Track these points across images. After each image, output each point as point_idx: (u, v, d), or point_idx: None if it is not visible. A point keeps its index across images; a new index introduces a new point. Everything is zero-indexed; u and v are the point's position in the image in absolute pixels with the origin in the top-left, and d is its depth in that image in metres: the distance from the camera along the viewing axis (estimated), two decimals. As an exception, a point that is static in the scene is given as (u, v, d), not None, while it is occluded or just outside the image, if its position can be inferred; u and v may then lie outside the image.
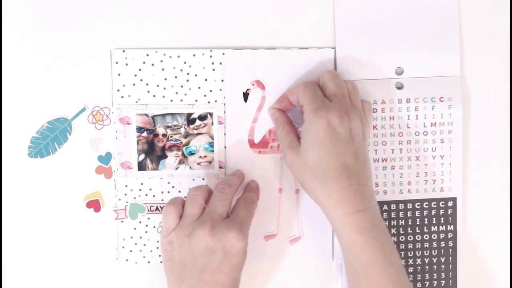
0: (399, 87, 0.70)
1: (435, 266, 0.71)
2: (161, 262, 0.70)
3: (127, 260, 0.70)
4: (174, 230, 0.62)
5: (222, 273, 0.60)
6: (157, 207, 0.69)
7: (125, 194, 0.69)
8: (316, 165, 0.59)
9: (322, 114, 0.59)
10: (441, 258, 0.71)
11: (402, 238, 0.70)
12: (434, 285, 0.71)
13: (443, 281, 0.71)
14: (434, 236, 0.71)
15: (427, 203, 0.70)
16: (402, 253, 0.71)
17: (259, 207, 0.69)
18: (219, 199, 0.63)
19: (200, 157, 0.69)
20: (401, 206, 0.70)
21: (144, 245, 0.70)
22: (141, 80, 0.68)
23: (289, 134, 0.64)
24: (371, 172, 0.62)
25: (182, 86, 0.68)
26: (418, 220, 0.70)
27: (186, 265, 0.61)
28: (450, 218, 0.71)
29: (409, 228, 0.70)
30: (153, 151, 0.69)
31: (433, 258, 0.71)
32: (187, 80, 0.68)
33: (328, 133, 0.59)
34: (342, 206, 0.58)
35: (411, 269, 0.71)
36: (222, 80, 0.68)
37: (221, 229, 0.60)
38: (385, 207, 0.70)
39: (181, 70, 0.68)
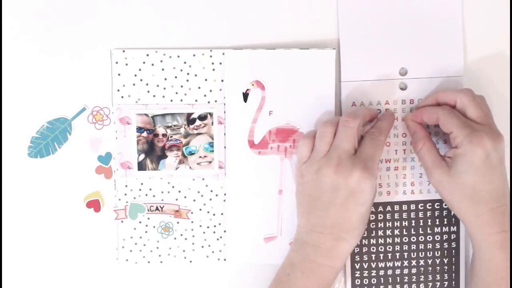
0: (403, 87, 0.69)
1: (438, 267, 0.71)
2: (161, 262, 0.70)
3: (127, 260, 0.70)
4: (305, 163, 0.64)
5: (347, 209, 0.62)
6: (157, 207, 0.69)
7: (125, 194, 0.69)
8: (469, 188, 0.61)
9: (476, 141, 0.60)
10: (444, 259, 0.71)
11: (405, 239, 0.70)
12: (438, 286, 0.71)
13: (446, 282, 0.71)
14: (437, 237, 0.70)
15: (430, 204, 0.70)
16: (405, 254, 0.70)
17: (259, 209, 0.69)
18: (344, 135, 0.63)
19: (200, 157, 0.69)
20: (405, 207, 0.70)
21: (144, 245, 0.70)
22: (141, 80, 0.67)
23: (431, 152, 0.64)
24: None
25: (182, 86, 0.68)
26: (421, 221, 0.70)
27: (314, 198, 0.63)
28: (453, 219, 0.70)
29: (412, 229, 0.70)
30: (153, 151, 0.68)
31: (436, 259, 0.71)
32: (187, 80, 0.68)
33: (483, 159, 0.60)
34: (489, 227, 0.61)
35: (414, 270, 0.71)
36: (222, 80, 0.68)
37: (346, 167, 0.61)
38: (389, 208, 0.70)
39: (181, 70, 0.68)
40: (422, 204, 0.70)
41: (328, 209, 0.62)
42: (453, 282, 0.71)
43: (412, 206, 0.70)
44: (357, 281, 0.70)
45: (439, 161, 0.63)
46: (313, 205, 0.63)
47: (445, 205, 0.70)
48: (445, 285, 0.71)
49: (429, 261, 0.71)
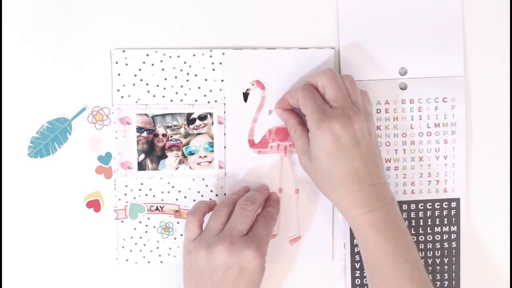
0: (403, 87, 0.69)
1: (438, 267, 0.71)
2: (161, 262, 0.70)
3: (127, 260, 0.70)
4: (194, 240, 0.63)
5: None
6: (157, 207, 0.69)
7: (125, 194, 0.69)
8: (326, 173, 0.60)
9: (325, 126, 0.59)
10: (444, 258, 0.71)
11: None
12: (438, 285, 0.71)
13: (446, 282, 0.71)
14: (438, 237, 0.70)
15: (430, 204, 0.70)
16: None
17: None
18: (240, 216, 0.64)
19: (200, 157, 0.69)
20: (405, 206, 0.70)
21: (144, 245, 0.70)
22: (141, 80, 0.67)
23: (301, 137, 0.64)
24: (383, 166, 0.63)
25: (182, 86, 0.68)
26: (421, 221, 0.70)
27: (202, 277, 0.62)
28: (453, 218, 0.70)
29: (412, 229, 0.70)
30: (153, 151, 0.68)
31: (436, 259, 0.71)
32: (187, 80, 0.68)
33: (334, 143, 0.59)
34: (354, 208, 0.60)
35: None
36: (222, 80, 0.68)
37: (239, 246, 0.61)
38: None
39: (181, 70, 0.68)
40: (422, 204, 0.70)
41: None
42: (453, 282, 0.71)
43: (412, 206, 0.70)
44: (357, 281, 0.70)
45: (306, 146, 0.63)
46: (201, 285, 0.62)
47: (446, 204, 0.70)
48: (445, 285, 0.71)
49: (429, 261, 0.71)
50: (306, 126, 0.63)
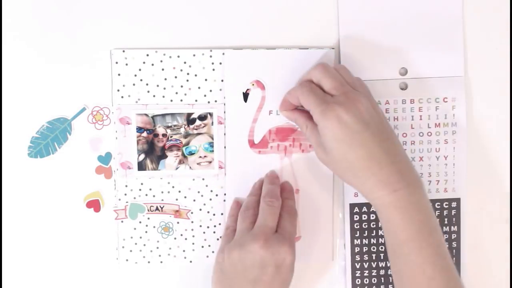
0: (403, 87, 0.69)
1: None
2: (161, 262, 0.70)
3: (127, 260, 0.70)
4: (228, 243, 0.64)
5: (272, 287, 0.62)
6: (157, 207, 0.69)
7: (125, 194, 0.69)
8: (344, 161, 0.59)
9: (330, 114, 0.58)
10: None
11: None
12: None
13: None
14: None
15: (431, 203, 0.70)
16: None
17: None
18: (269, 213, 0.64)
19: (200, 157, 0.69)
20: None
21: (144, 245, 0.70)
22: (141, 80, 0.67)
23: (314, 131, 0.63)
24: (400, 144, 0.61)
25: (182, 86, 0.68)
26: None
27: (237, 276, 0.62)
28: (454, 218, 0.70)
29: None
30: (153, 151, 0.68)
31: None
32: (187, 80, 0.68)
33: (343, 129, 0.58)
34: (377, 190, 0.59)
35: None
36: (222, 80, 0.68)
37: (273, 243, 0.61)
38: None
39: (181, 70, 0.68)
40: None
41: (253, 287, 0.62)
42: None
43: None
44: (358, 281, 0.70)
45: (320, 139, 0.62)
46: (235, 284, 0.62)
47: (446, 204, 0.70)
48: None
49: None
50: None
